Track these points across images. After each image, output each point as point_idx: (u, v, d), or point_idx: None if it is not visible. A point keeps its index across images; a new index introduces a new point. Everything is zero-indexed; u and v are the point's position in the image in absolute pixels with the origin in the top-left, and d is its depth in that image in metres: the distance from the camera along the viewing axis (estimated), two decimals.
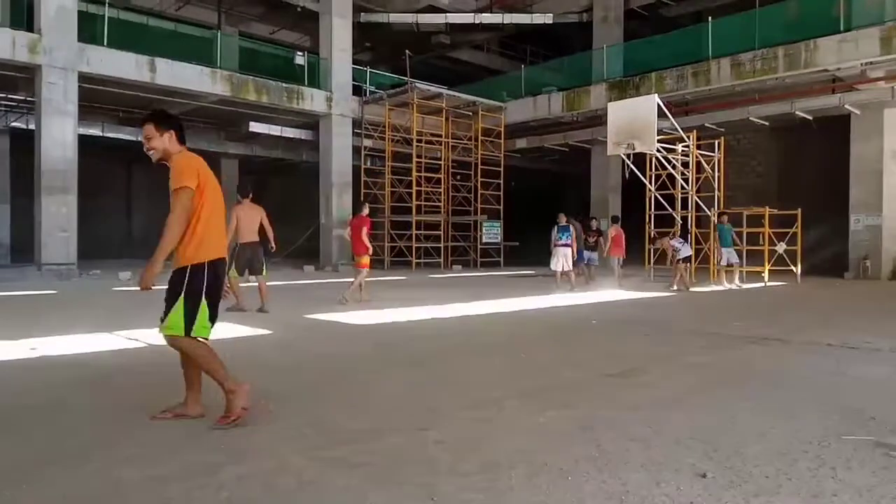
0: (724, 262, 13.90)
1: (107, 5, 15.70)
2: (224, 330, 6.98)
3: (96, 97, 16.14)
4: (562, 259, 12.29)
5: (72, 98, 14.36)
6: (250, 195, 8.86)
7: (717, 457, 2.93)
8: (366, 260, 9.80)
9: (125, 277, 13.98)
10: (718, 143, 15.52)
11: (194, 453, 2.97)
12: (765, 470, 2.77)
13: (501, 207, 21.92)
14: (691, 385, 4.52)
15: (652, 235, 14.96)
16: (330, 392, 4.31)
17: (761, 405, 3.93)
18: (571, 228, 12.66)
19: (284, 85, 18.37)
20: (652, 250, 15.14)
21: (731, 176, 17.08)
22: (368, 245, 9.76)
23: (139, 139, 15.50)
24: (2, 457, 2.94)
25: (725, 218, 14.27)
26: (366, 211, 9.98)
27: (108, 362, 5.26)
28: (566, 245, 12.34)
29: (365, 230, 9.70)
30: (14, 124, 17.18)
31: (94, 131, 17.56)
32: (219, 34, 18.48)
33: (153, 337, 6.41)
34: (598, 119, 17.88)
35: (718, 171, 15.49)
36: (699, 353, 5.80)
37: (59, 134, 14.18)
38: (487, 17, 22.38)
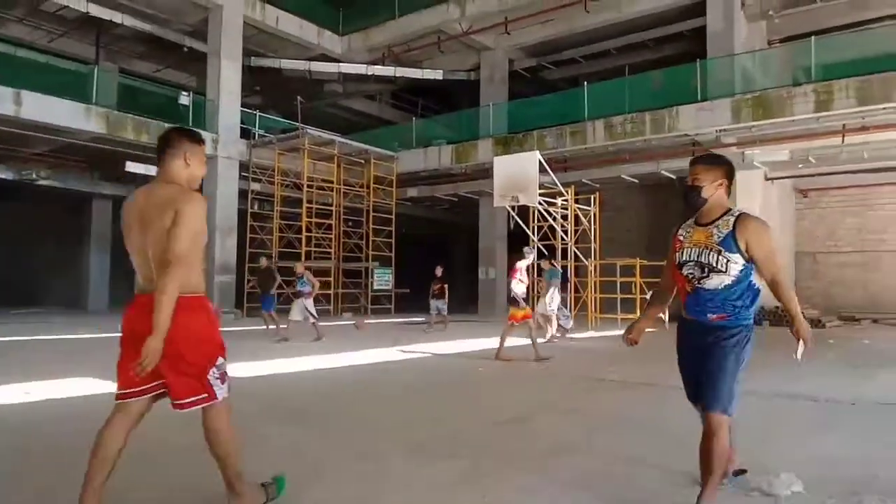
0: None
1: None
2: (86, 387, 6.45)
3: None
4: (295, 309, 11.93)
5: None
6: None
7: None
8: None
9: None
10: (594, 198, 16.60)
11: None
12: None
13: (393, 254, 22.02)
14: (572, 430, 4.71)
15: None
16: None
17: (631, 443, 4.16)
18: (306, 278, 12.19)
19: (167, 125, 17.65)
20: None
21: (606, 228, 18.22)
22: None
23: (0, 176, 14.26)
24: None
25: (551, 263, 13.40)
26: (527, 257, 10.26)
27: None
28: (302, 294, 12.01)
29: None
30: None
31: None
32: (96, 69, 17.55)
33: (1, 394, 5.80)
34: (486, 172, 18.60)
35: (594, 223, 16.51)
36: (577, 396, 6.07)
37: None
38: (380, 70, 22.85)
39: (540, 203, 14.88)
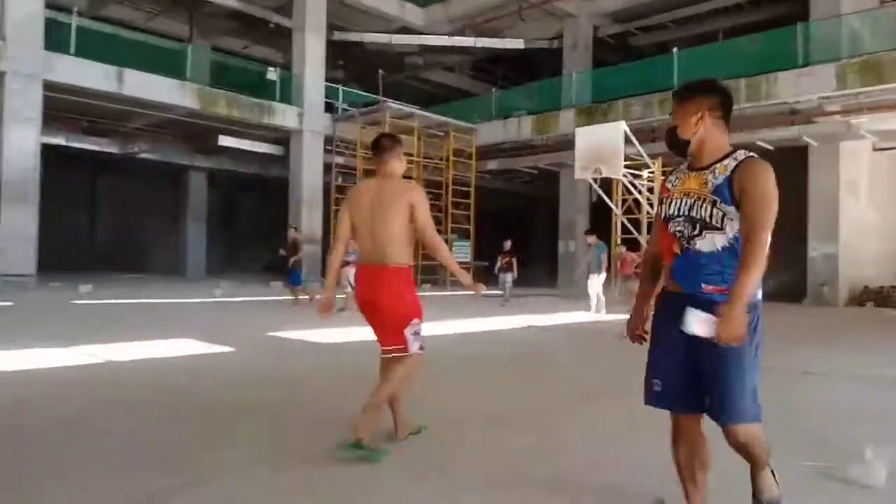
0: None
1: (74, 14, 15.51)
2: (188, 348, 6.87)
3: (61, 106, 15.84)
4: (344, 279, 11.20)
5: (35, 106, 14.07)
6: None
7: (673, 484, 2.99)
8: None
9: (85, 290, 13.65)
10: None
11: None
12: (721, 497, 2.83)
13: (472, 227, 22.05)
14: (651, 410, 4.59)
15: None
16: (285, 411, 4.27)
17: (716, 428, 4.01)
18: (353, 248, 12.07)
19: (255, 100, 18.28)
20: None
21: None
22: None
23: (104, 149, 15.39)
24: None
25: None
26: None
27: (65, 378, 5.12)
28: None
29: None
30: None
31: (59, 140, 17.21)
32: (189, 47, 18.35)
33: (111, 352, 6.27)
34: (567, 143, 18.18)
35: None
36: None
37: (21, 142, 13.85)
38: (460, 41, 22.66)
39: (624, 175, 14.43)
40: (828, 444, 3.66)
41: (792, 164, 17.48)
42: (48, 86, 14.31)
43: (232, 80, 18.51)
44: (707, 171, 2.28)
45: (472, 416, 4.21)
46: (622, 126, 14.15)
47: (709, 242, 2.24)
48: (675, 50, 17.19)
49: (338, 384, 5.11)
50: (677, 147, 2.38)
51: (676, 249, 2.31)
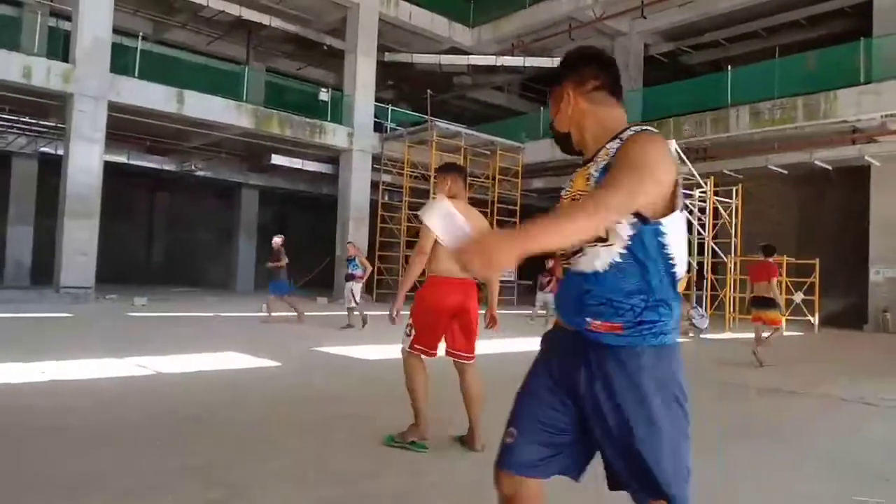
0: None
1: (140, 39, 16.26)
2: (235, 361, 7.01)
3: (124, 126, 16.57)
4: (347, 293, 11.15)
5: (100, 126, 14.75)
6: None
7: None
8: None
9: (140, 303, 14.12)
10: (736, 190, 15.50)
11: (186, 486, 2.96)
12: None
13: None
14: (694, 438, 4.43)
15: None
16: (323, 428, 4.29)
17: (769, 460, 3.84)
18: (358, 260, 11.35)
19: (308, 120, 18.75)
20: None
21: (749, 223, 16.94)
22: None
23: (163, 167, 15.99)
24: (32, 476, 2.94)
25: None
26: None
27: (117, 388, 5.28)
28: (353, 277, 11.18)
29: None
30: (43, 149, 17.65)
31: (121, 158, 18.00)
32: (246, 69, 18.98)
33: (161, 364, 6.45)
34: None
35: (735, 217, 15.43)
36: (706, 403, 5.71)
37: (86, 160, 14.52)
38: (509, 60, 22.75)
39: None
40: (881, 478, 3.45)
41: (852, 185, 16.87)
42: (113, 106, 15.00)
43: (286, 101, 19.05)
44: (591, 163, 1.69)
45: None
46: (673, 145, 13.89)
47: (589, 260, 1.60)
48: (728, 67, 16.84)
49: (380, 400, 5.11)
50: (564, 146, 1.87)
51: (559, 273, 1.85)
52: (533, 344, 1.90)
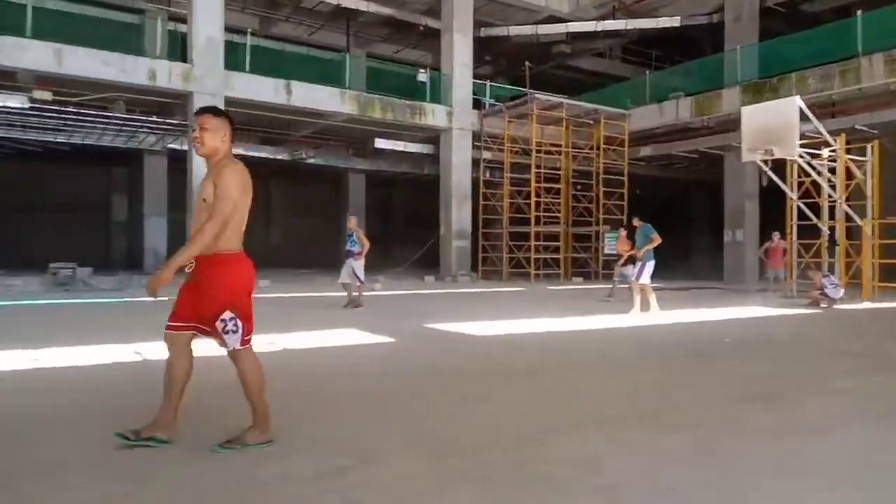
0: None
1: (248, 35, 17.08)
2: (352, 337, 7.28)
3: (239, 119, 17.48)
4: (348, 270, 10.64)
5: None
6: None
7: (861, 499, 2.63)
8: None
9: (264, 285, 14.97)
10: (871, 147, 14.09)
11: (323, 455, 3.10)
12: None
13: (624, 217, 21.20)
14: (833, 414, 4.10)
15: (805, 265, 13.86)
16: (441, 402, 4.34)
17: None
18: (356, 236, 10.82)
19: (408, 102, 19.00)
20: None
21: (888, 182, 15.38)
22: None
23: (276, 157, 16.63)
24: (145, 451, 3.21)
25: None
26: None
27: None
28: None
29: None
30: (170, 146, 19.03)
31: (238, 151, 19.02)
32: (347, 56, 19.47)
33: (287, 341, 6.80)
34: (732, 124, 16.84)
35: (872, 176, 14.04)
36: (843, 377, 5.25)
37: None
38: (610, 24, 21.85)
39: (800, 156, 13.05)
40: None
41: None
42: (228, 101, 15.89)
43: (385, 85, 19.38)
44: None
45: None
46: (797, 101, 12.80)
47: None
48: (857, 13, 15.25)
49: (487, 375, 5.13)
50: None
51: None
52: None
